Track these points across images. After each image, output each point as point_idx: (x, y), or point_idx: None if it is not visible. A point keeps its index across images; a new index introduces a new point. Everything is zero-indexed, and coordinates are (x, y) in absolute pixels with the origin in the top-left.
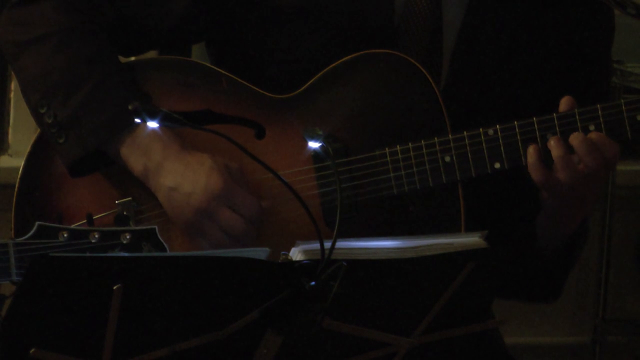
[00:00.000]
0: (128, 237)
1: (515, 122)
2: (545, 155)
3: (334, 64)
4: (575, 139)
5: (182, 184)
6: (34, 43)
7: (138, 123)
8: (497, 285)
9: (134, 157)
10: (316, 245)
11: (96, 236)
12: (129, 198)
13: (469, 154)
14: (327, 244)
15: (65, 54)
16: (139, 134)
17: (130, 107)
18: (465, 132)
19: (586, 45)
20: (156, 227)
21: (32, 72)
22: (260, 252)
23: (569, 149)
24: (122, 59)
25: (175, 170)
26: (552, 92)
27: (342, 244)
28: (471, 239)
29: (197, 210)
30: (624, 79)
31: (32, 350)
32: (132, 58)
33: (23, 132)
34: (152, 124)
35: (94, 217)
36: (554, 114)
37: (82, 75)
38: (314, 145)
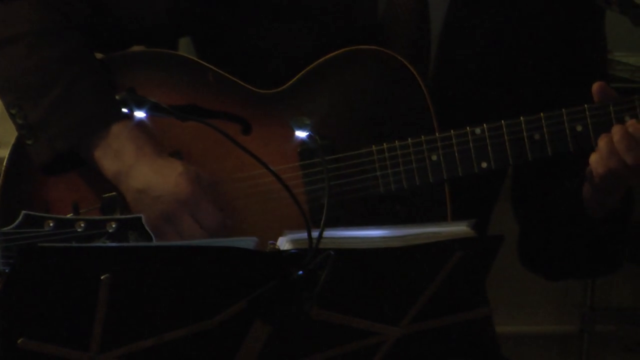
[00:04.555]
0: (114, 226)
1: (502, 122)
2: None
3: (320, 60)
4: (616, 133)
5: (150, 187)
6: (7, 43)
7: (109, 126)
8: (485, 274)
9: (106, 160)
10: (304, 235)
11: (82, 225)
12: (114, 193)
13: (456, 153)
14: (315, 234)
15: (38, 56)
16: (111, 137)
17: (118, 97)
18: (452, 131)
19: (575, 34)
20: (142, 215)
21: (4, 73)
22: (248, 242)
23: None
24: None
25: (145, 173)
26: (541, 85)
27: (330, 233)
28: (459, 228)
29: (160, 214)
30: (612, 68)
31: (19, 341)
32: None
33: (11, 122)
34: (140, 114)
35: (80, 212)
36: (541, 114)
37: (53, 77)
38: (301, 134)
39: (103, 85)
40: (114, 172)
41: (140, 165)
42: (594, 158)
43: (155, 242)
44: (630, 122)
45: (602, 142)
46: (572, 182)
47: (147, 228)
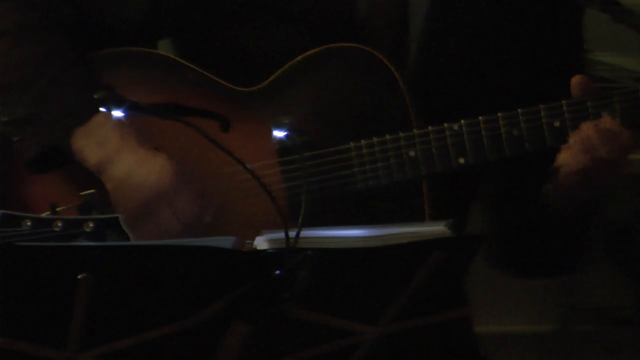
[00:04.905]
0: (91, 225)
1: (480, 118)
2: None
3: (299, 57)
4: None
5: (131, 177)
6: None
7: (92, 115)
8: (464, 273)
9: (89, 149)
10: (281, 234)
11: (59, 225)
12: (93, 190)
13: (434, 149)
14: (293, 233)
15: (20, 52)
16: (95, 127)
17: (96, 96)
18: (430, 127)
19: (554, 32)
20: (119, 215)
21: None
22: (225, 241)
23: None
24: None
25: (128, 162)
26: (519, 83)
27: (307, 232)
28: (437, 228)
29: (140, 204)
30: (593, 68)
31: None
32: None
33: None
34: (118, 114)
35: (58, 209)
36: (519, 110)
37: (36, 71)
38: (279, 134)
39: (85, 77)
40: (97, 161)
41: (123, 154)
42: (566, 154)
43: (133, 242)
44: (604, 119)
45: (574, 139)
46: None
47: (124, 223)
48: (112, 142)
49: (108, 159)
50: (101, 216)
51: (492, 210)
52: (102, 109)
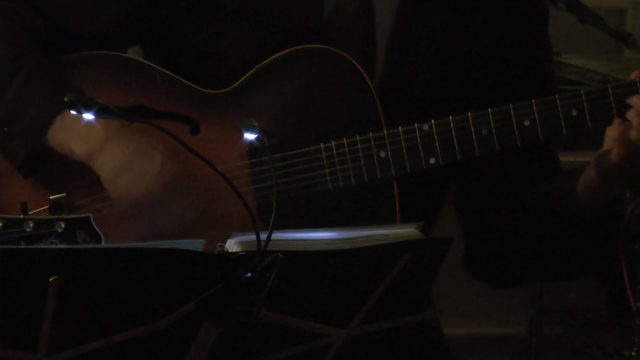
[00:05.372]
0: (63, 225)
1: (450, 118)
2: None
3: (268, 60)
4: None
5: (133, 163)
6: None
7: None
8: (433, 275)
9: (73, 141)
10: (252, 237)
11: (31, 225)
12: (63, 194)
13: (404, 150)
14: (263, 236)
15: None
16: (75, 118)
17: (65, 99)
18: (400, 128)
19: (521, 37)
20: (91, 215)
21: None
22: (196, 244)
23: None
24: None
25: (124, 147)
26: (488, 86)
27: (278, 235)
28: (407, 230)
29: (148, 193)
30: (560, 70)
31: None
32: None
33: None
34: (88, 116)
35: (30, 213)
36: (489, 110)
37: (9, 74)
38: (249, 136)
39: (56, 76)
40: (84, 151)
41: (116, 140)
42: (615, 132)
43: (104, 244)
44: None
45: (630, 114)
46: (550, 183)
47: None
48: (97, 131)
49: (99, 146)
50: (72, 216)
51: (464, 214)
52: (72, 112)
